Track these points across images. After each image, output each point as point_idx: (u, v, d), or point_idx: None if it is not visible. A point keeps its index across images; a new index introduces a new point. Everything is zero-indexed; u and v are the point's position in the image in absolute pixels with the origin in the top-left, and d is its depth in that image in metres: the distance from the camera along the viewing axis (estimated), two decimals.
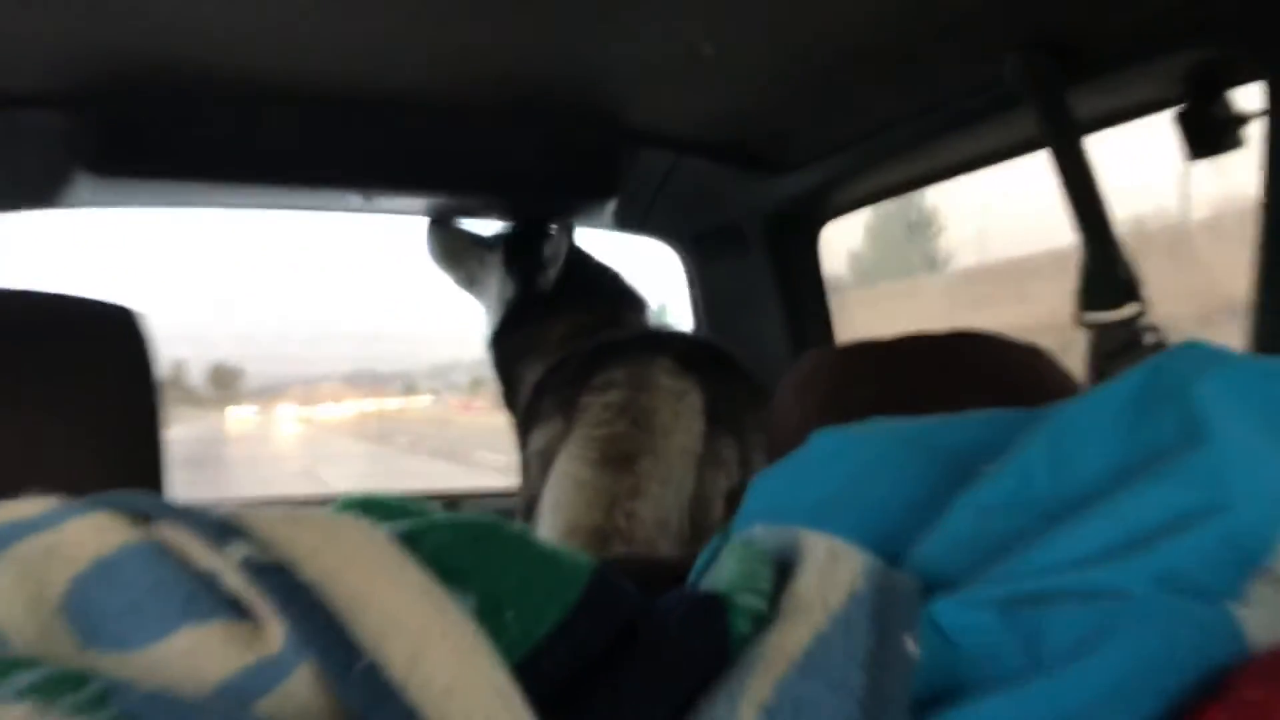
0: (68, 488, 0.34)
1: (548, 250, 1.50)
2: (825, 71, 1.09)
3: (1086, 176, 0.97)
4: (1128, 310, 0.95)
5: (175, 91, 1.10)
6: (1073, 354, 0.89)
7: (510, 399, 1.51)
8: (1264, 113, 0.88)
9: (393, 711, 0.27)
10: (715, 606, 0.35)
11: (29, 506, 0.32)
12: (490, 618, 0.32)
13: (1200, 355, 0.42)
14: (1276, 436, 0.37)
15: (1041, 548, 0.36)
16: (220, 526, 0.31)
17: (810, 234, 1.59)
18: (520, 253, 1.54)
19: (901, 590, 0.35)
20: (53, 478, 0.35)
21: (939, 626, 0.35)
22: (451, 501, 1.74)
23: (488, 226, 1.63)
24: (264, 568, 0.29)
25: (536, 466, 1.32)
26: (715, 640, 0.34)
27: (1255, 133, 0.91)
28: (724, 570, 0.39)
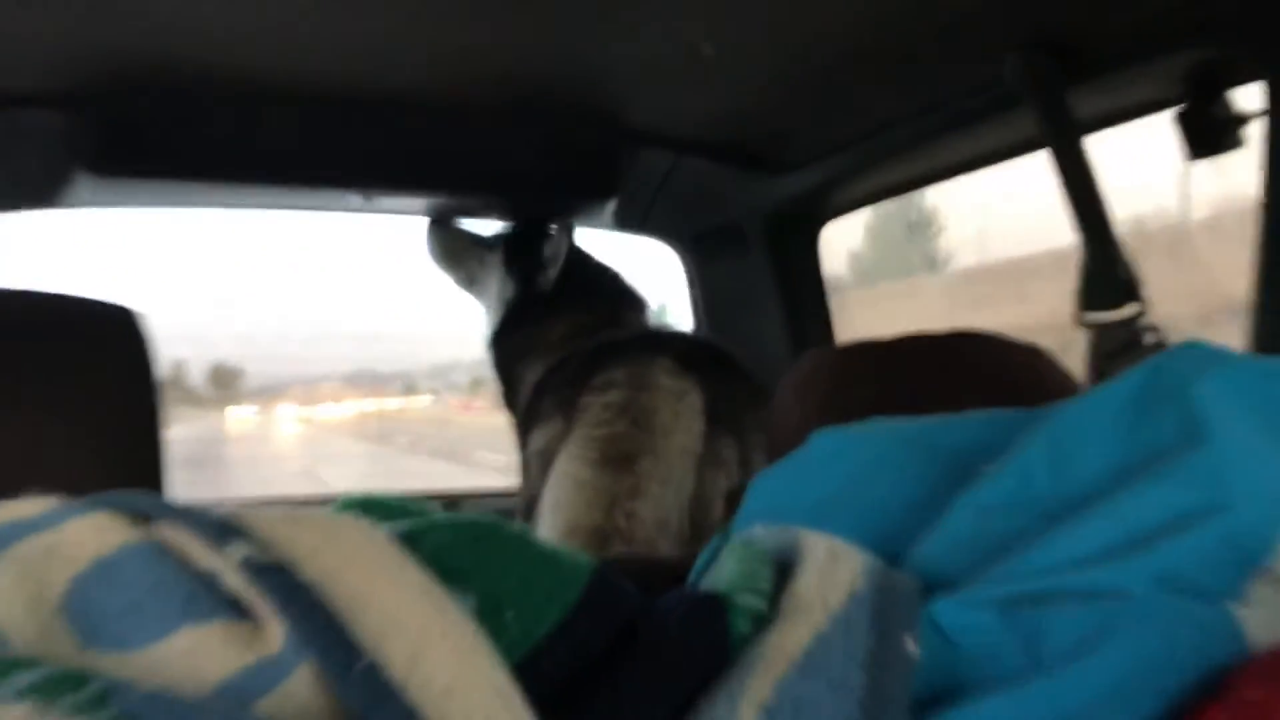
0: (68, 487, 0.34)
1: (547, 250, 1.50)
2: (825, 71, 1.09)
3: (1086, 176, 0.97)
4: (1128, 310, 0.95)
5: (175, 91, 1.10)
6: (1072, 354, 0.89)
7: (510, 399, 1.51)
8: (1264, 113, 0.88)
9: (393, 711, 0.27)
10: (715, 606, 0.35)
11: (29, 506, 0.32)
12: (490, 618, 0.32)
13: (1200, 355, 0.42)
14: (1276, 436, 0.37)
15: (1041, 548, 0.36)
16: (220, 526, 0.31)
17: (810, 234, 1.59)
18: (520, 253, 1.54)
19: (901, 590, 0.35)
20: (53, 477, 0.35)
21: (939, 626, 0.35)
22: (451, 501, 1.74)
23: (488, 226, 1.63)
24: (264, 568, 0.29)
25: (536, 466, 1.32)
26: (715, 640, 0.34)
27: (1255, 133, 0.91)
28: (724, 570, 0.39)
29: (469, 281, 1.62)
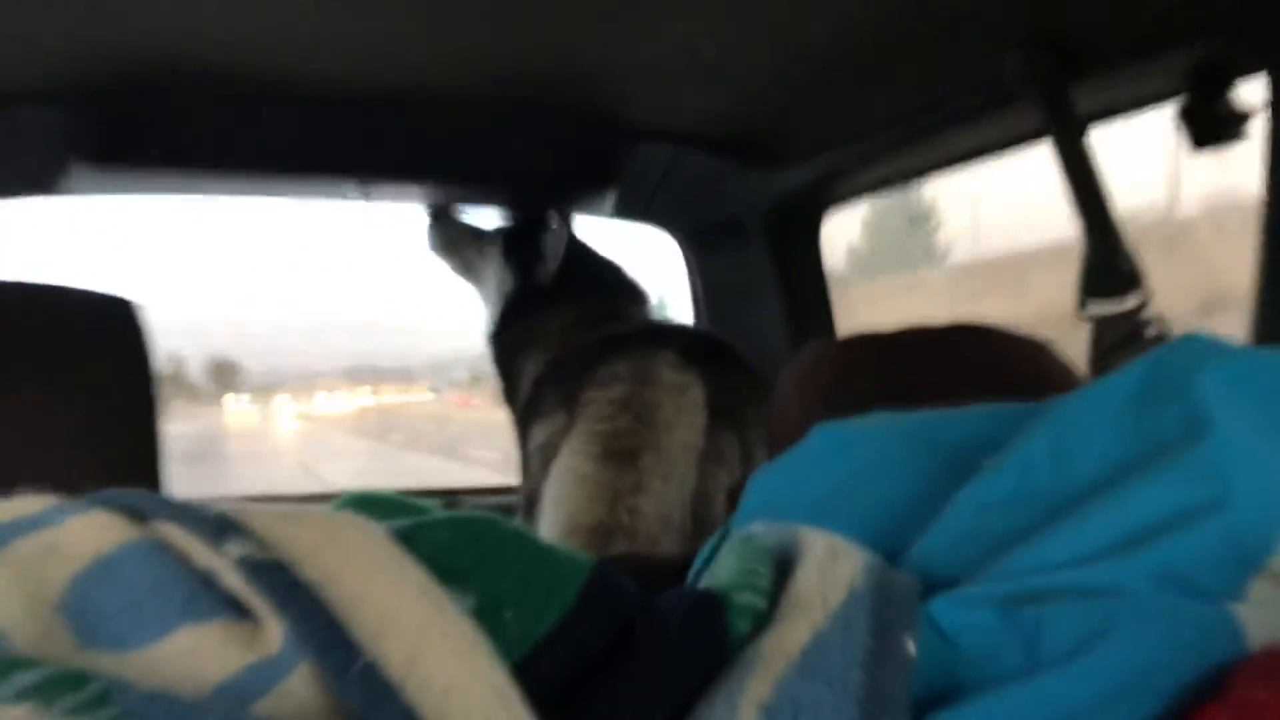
0: (65, 480, 0.34)
1: (547, 242, 1.50)
2: (826, 68, 1.09)
3: (1088, 169, 0.96)
4: (1130, 302, 0.95)
5: (175, 88, 1.10)
6: (1072, 348, 0.89)
7: (510, 394, 1.51)
8: (1266, 107, 0.87)
9: (391, 711, 0.27)
10: (715, 605, 0.35)
11: (28, 504, 0.32)
12: (489, 617, 0.32)
13: (1201, 347, 0.42)
14: (1278, 431, 0.37)
15: (1041, 545, 0.36)
16: (218, 524, 0.31)
17: (811, 226, 1.59)
18: (519, 245, 1.54)
19: (901, 589, 0.35)
20: (50, 470, 0.35)
21: (938, 625, 0.35)
22: (451, 499, 1.74)
23: (488, 218, 1.63)
24: (262, 566, 0.29)
25: (538, 462, 1.32)
26: (715, 639, 0.34)
27: (1256, 129, 0.91)
28: (723, 568, 0.39)
29: (469, 273, 1.62)
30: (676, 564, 0.49)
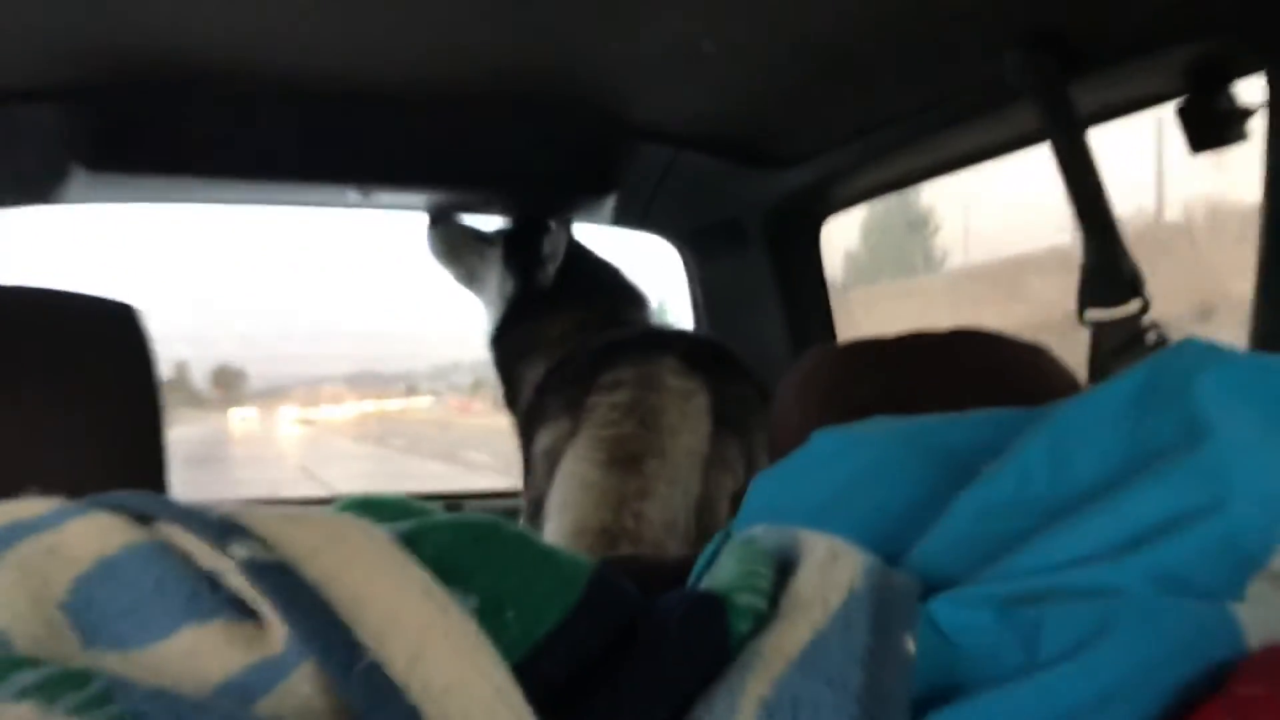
0: (69, 484, 0.35)
1: (547, 246, 1.50)
2: (825, 67, 1.09)
3: (1089, 170, 0.96)
4: (1130, 307, 0.94)
5: (173, 87, 1.10)
6: (1071, 353, 0.89)
7: (511, 399, 1.51)
8: (1265, 106, 0.87)
9: (393, 711, 0.27)
10: (715, 606, 0.35)
11: (31, 506, 0.32)
12: (491, 618, 0.32)
13: (1200, 352, 0.42)
14: (1276, 435, 0.37)
15: (1040, 547, 0.36)
16: (222, 526, 0.31)
17: (811, 229, 1.59)
18: (520, 249, 1.54)
19: (900, 589, 0.35)
20: (54, 474, 0.35)
21: (937, 625, 0.35)
22: (454, 503, 1.74)
23: (488, 222, 1.63)
24: (265, 568, 0.29)
25: (543, 467, 1.32)
26: (715, 640, 0.34)
27: (1256, 128, 0.91)
28: (724, 570, 0.39)
29: (469, 278, 1.62)
30: (677, 566, 0.49)
